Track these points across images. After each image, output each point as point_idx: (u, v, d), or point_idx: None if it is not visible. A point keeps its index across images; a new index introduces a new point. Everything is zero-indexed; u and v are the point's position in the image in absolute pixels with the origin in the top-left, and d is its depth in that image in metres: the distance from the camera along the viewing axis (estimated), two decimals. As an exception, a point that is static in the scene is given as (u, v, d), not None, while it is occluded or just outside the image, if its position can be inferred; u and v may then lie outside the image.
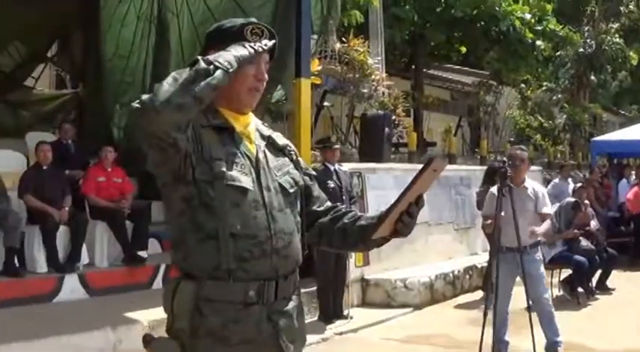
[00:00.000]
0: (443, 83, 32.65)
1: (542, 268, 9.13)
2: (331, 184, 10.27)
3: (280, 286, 3.14)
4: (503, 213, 8.13)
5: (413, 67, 28.20)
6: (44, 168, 10.77)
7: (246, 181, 3.09)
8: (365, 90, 17.26)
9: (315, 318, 10.51)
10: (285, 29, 11.77)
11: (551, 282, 12.29)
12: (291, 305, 3.21)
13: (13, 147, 12.73)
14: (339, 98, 19.16)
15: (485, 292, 11.73)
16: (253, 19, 3.29)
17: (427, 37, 26.34)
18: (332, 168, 10.58)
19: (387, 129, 15.06)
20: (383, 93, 18.03)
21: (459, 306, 12.35)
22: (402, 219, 3.16)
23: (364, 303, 12.13)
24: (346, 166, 11.46)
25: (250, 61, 3.10)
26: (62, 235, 10.45)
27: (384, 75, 18.66)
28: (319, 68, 14.86)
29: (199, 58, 2.91)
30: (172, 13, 13.89)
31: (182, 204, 3.07)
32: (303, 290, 10.47)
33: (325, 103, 19.85)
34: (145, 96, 2.80)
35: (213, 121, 3.16)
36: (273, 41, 3.22)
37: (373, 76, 17.29)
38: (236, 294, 3.03)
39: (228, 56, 2.97)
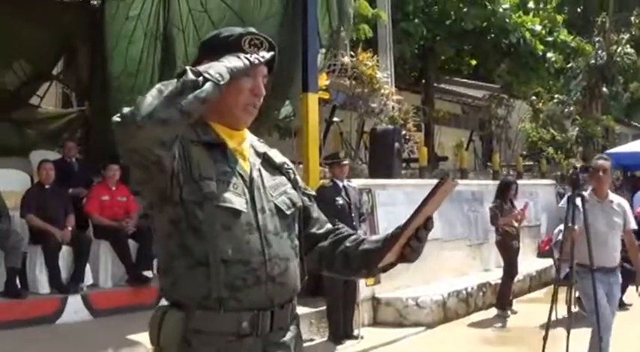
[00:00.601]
0: (454, 97, 32.56)
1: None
2: (340, 201, 10.10)
3: (276, 316, 2.91)
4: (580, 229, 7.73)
5: (423, 81, 28.04)
6: (47, 187, 10.67)
7: (239, 202, 2.86)
8: (374, 105, 17.08)
9: (325, 339, 10.31)
10: (292, 43, 11.62)
11: (569, 298, 12.07)
12: (288, 336, 2.98)
13: (18, 166, 12.64)
14: (348, 113, 18.99)
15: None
16: (252, 29, 3.05)
17: (437, 51, 26.22)
18: (341, 184, 10.39)
19: (396, 144, 14.88)
20: (393, 107, 17.86)
21: (473, 325, 12.11)
22: (410, 244, 2.94)
23: (375, 323, 11.88)
24: (356, 182, 11.28)
25: (246, 73, 2.88)
26: (65, 255, 10.32)
27: (394, 89, 18.50)
28: (327, 83, 14.69)
29: (187, 68, 2.64)
30: (178, 28, 13.77)
31: (169, 227, 2.84)
32: (313, 310, 10.25)
33: (335, 119, 19.68)
34: (126, 109, 2.54)
35: (204, 137, 2.93)
36: (272, 53, 2.99)
37: (382, 90, 17.11)
38: (228, 325, 2.80)
39: (220, 68, 2.71)
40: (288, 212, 3.03)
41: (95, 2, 15.83)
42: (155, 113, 2.51)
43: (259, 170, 3.03)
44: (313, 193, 3.32)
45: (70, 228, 10.43)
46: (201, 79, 2.61)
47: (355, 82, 16.68)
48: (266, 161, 3.10)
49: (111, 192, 11.32)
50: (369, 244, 3.07)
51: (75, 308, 9.82)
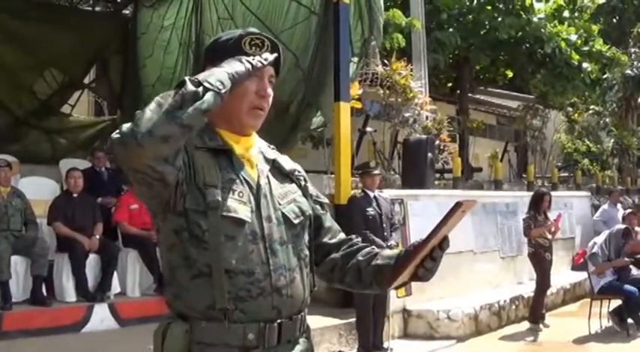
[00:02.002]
0: (488, 107, 32.48)
1: None
2: (371, 211, 9.98)
3: (284, 328, 2.79)
4: None
5: (458, 91, 27.91)
6: (75, 195, 10.67)
7: (243, 211, 2.76)
8: (408, 115, 16.94)
9: (354, 351, 10.16)
10: (323, 52, 11.53)
11: (600, 313, 11.90)
12: (297, 349, 2.88)
13: (48, 174, 12.73)
14: (382, 123, 18.88)
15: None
16: (252, 29, 2.95)
17: (471, 60, 26.09)
18: (372, 194, 10.25)
19: (429, 155, 14.71)
20: (427, 117, 17.73)
21: (505, 338, 11.90)
22: (425, 264, 2.81)
23: (405, 335, 11.70)
24: (388, 193, 11.14)
25: (249, 76, 2.76)
26: (93, 263, 10.31)
27: (428, 99, 18.36)
28: (360, 92, 14.57)
29: (186, 78, 2.52)
30: (209, 36, 13.73)
31: (172, 237, 2.75)
32: (341, 322, 10.14)
33: (368, 128, 19.57)
34: (124, 127, 2.44)
35: (210, 143, 2.83)
36: (275, 55, 2.87)
37: (416, 100, 16.98)
38: (233, 337, 2.70)
39: (221, 74, 2.60)
40: (296, 221, 2.92)
41: (127, 12, 15.90)
42: (155, 130, 2.40)
43: (267, 177, 2.93)
44: (326, 201, 3.20)
45: (97, 237, 10.41)
46: (201, 89, 2.50)
47: (389, 91, 16.55)
48: (275, 168, 3.00)
49: (140, 201, 11.23)
50: (381, 260, 2.96)
51: (101, 317, 9.77)
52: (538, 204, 12.38)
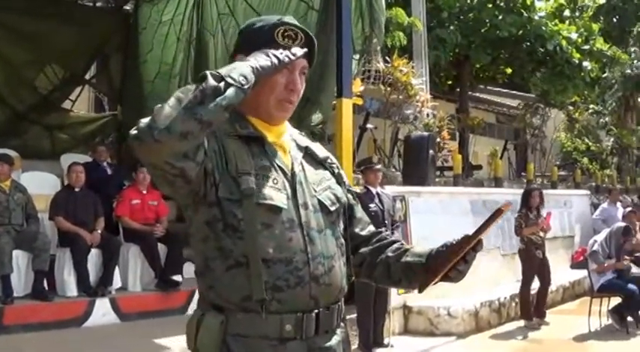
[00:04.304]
0: (488, 106, 32.47)
1: None
2: (373, 207, 9.93)
3: (322, 318, 2.74)
4: None
5: (458, 89, 27.88)
6: (76, 190, 10.69)
7: (280, 198, 2.70)
8: (409, 112, 16.92)
9: (355, 347, 10.14)
10: (323, 49, 11.52)
11: (600, 311, 11.90)
12: (335, 339, 2.81)
13: (49, 169, 12.77)
14: (382, 121, 18.85)
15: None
16: (288, 19, 2.86)
17: (472, 58, 26.03)
18: (374, 190, 10.22)
19: (431, 152, 14.70)
20: (427, 114, 17.71)
21: (505, 335, 11.89)
22: (457, 266, 2.79)
23: (406, 331, 11.69)
24: (389, 189, 11.12)
25: (278, 70, 2.68)
26: (94, 258, 10.32)
27: (429, 96, 18.34)
28: (362, 89, 14.55)
29: (208, 73, 2.43)
30: (210, 32, 13.75)
31: (206, 229, 2.68)
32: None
33: (368, 125, 19.53)
34: (142, 122, 2.36)
35: (242, 130, 2.76)
36: (305, 50, 2.77)
37: (417, 97, 16.96)
38: (271, 329, 2.64)
39: (245, 69, 2.51)
40: (332, 208, 2.86)
41: (128, 8, 15.90)
42: (173, 126, 2.33)
43: (301, 164, 2.87)
44: (357, 191, 3.17)
45: (99, 231, 10.42)
46: (222, 84, 2.41)
47: (390, 88, 16.53)
48: (309, 155, 2.94)
49: (142, 196, 11.28)
50: (411, 257, 2.92)
51: (103, 312, 9.78)
52: (528, 201, 12.40)
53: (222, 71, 2.46)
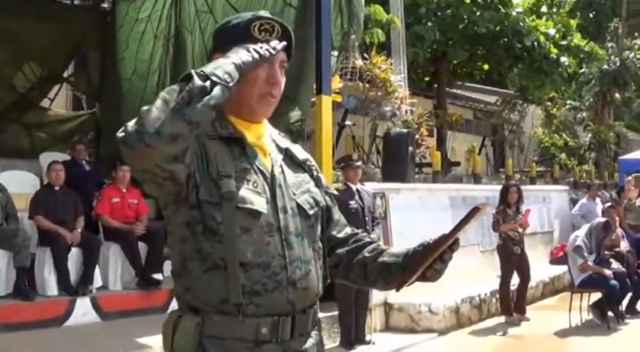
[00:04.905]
0: (466, 102, 32.57)
1: None
2: (353, 204, 9.93)
3: (297, 322, 2.73)
4: None
5: (436, 86, 27.93)
6: (56, 188, 10.61)
7: (259, 203, 2.68)
8: (387, 109, 16.94)
9: (336, 344, 10.16)
10: (302, 46, 11.48)
11: (580, 306, 11.95)
12: (309, 342, 2.81)
13: (28, 168, 12.67)
14: (360, 118, 18.86)
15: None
16: (263, 13, 2.83)
17: (450, 55, 26.08)
18: (354, 187, 10.22)
19: (410, 148, 14.72)
20: (406, 111, 17.74)
21: (486, 331, 11.94)
22: (434, 266, 2.80)
23: (387, 328, 11.72)
24: (369, 186, 11.12)
25: (259, 64, 2.67)
26: (75, 257, 10.26)
27: (407, 93, 18.37)
28: (340, 86, 14.55)
29: (193, 72, 2.41)
30: (188, 30, 13.68)
31: (185, 230, 2.67)
32: (324, 315, 10.05)
33: (347, 122, 19.56)
34: (130, 126, 2.34)
35: (222, 131, 2.74)
36: (284, 43, 2.76)
37: (396, 94, 16.98)
38: (247, 331, 2.63)
39: (228, 66, 2.50)
40: (311, 212, 2.85)
41: (106, 5, 15.82)
42: (163, 129, 2.31)
43: (281, 166, 2.84)
44: (335, 193, 3.15)
45: (79, 230, 10.35)
46: (208, 83, 2.40)
47: (368, 85, 16.55)
48: (288, 157, 2.91)
49: (121, 194, 11.23)
50: (388, 257, 2.92)
51: (83, 311, 9.73)
52: (506, 198, 12.45)
53: (207, 70, 2.45)
